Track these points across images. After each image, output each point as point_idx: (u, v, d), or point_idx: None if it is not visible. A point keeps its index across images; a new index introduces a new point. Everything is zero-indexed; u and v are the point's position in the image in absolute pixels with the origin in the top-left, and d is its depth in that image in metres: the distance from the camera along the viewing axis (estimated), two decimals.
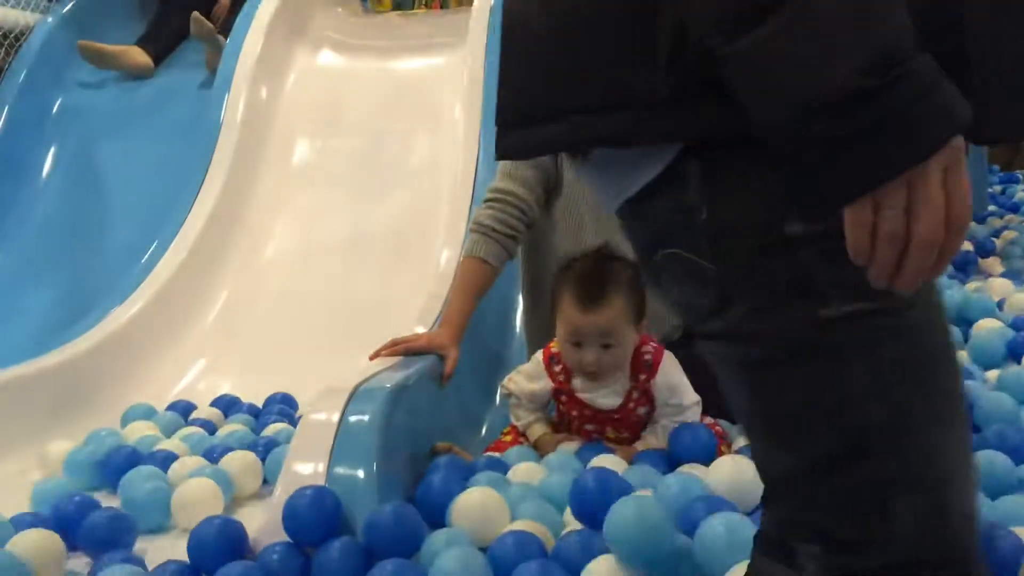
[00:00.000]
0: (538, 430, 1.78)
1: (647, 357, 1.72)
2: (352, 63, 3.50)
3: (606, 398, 1.73)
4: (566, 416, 1.78)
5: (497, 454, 1.73)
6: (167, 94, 3.49)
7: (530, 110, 0.77)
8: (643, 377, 1.71)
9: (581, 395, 1.74)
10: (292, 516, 1.34)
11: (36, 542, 1.42)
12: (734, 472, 1.41)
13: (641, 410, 1.74)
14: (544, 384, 1.77)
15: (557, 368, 1.76)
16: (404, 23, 4.12)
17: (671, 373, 1.72)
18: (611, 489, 1.34)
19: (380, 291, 2.66)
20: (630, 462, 1.63)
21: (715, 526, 1.18)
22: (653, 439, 1.72)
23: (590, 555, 1.23)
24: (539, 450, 1.75)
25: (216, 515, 1.45)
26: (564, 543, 1.29)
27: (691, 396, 1.72)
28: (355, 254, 2.81)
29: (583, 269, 1.70)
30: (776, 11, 0.61)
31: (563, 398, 1.77)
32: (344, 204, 2.97)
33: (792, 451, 0.74)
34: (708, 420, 1.75)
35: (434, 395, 1.83)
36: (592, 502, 1.33)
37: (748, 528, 1.14)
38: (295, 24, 3.47)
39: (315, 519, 1.33)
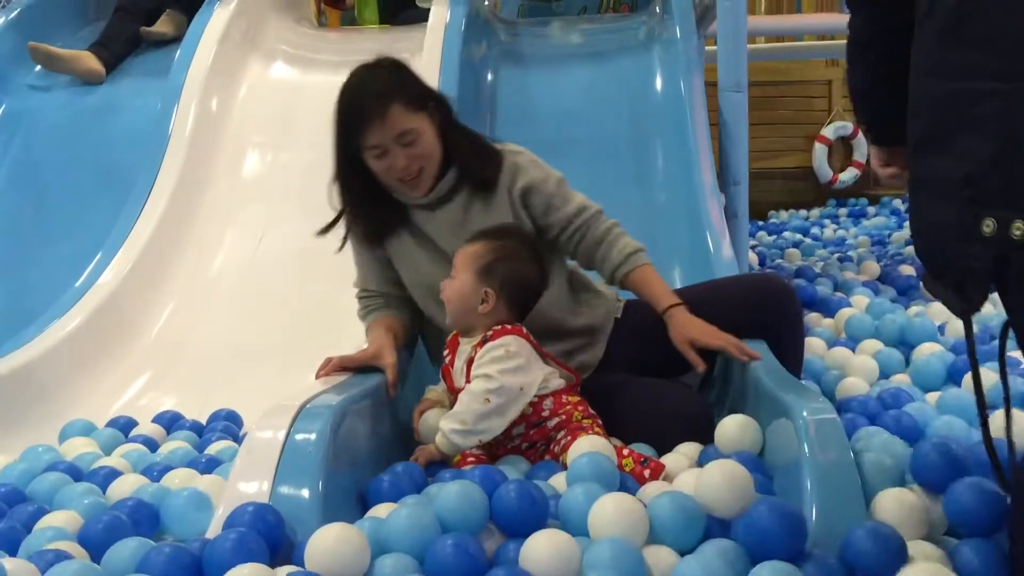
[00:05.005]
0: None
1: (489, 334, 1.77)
2: (305, 76, 3.48)
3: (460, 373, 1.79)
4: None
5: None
6: (116, 102, 3.42)
7: None
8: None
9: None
10: None
11: None
12: (722, 480, 1.36)
13: None
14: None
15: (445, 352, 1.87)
16: (358, 38, 4.10)
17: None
18: (533, 502, 1.37)
19: (329, 307, 2.63)
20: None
21: None
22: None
23: None
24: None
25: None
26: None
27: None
28: (304, 269, 2.78)
29: None
30: None
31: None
32: (294, 218, 2.93)
33: None
34: (616, 443, 1.71)
35: (382, 410, 1.81)
36: (515, 516, 1.36)
37: None
38: (248, 36, 3.44)
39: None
